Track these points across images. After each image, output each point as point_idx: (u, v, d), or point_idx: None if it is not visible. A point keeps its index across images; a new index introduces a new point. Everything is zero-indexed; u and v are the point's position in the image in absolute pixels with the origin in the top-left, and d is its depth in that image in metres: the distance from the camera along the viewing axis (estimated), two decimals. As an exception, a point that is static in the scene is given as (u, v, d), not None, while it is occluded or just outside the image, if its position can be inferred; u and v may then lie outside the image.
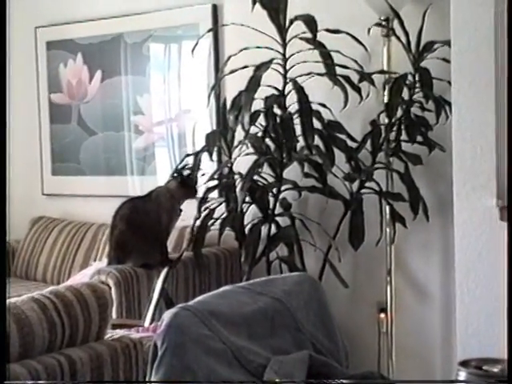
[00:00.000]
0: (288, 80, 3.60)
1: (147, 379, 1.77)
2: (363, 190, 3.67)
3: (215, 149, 3.85)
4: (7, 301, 2.34)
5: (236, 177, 3.75)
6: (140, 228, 3.81)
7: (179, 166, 3.88)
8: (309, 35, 3.48)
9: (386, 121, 3.61)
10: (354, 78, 3.55)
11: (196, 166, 3.72)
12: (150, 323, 3.07)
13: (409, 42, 3.52)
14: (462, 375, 2.30)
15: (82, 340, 2.44)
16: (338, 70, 3.53)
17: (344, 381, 1.86)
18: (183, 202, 3.83)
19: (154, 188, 3.91)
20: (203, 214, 3.75)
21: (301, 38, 3.54)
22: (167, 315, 1.76)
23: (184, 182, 3.80)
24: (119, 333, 2.67)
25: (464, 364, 2.36)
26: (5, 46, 2.24)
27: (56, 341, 2.35)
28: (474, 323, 2.86)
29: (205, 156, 3.77)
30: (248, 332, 1.83)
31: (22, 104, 5.18)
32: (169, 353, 1.70)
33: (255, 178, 3.68)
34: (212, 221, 3.75)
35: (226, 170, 3.84)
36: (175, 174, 3.83)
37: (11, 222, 5.00)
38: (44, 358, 2.30)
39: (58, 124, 5.02)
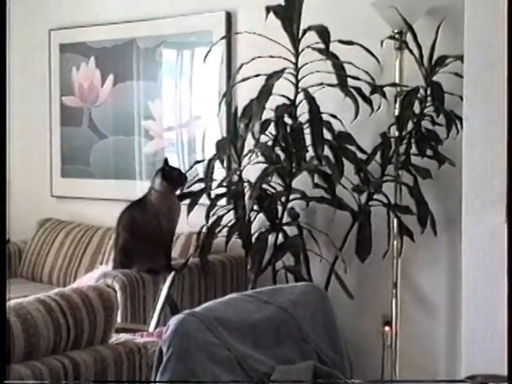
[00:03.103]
0: (299, 90, 3.60)
1: (151, 384, 1.77)
2: (371, 202, 3.67)
3: (225, 156, 3.86)
4: (13, 301, 2.34)
5: (245, 185, 3.76)
6: (143, 235, 3.83)
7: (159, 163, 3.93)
8: (321, 46, 3.49)
9: (397, 134, 3.61)
10: (366, 89, 3.55)
11: (209, 174, 3.73)
12: (155, 328, 3.07)
13: (421, 56, 3.52)
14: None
15: (86, 343, 2.44)
16: (350, 82, 3.53)
17: (349, 381, 1.86)
18: (175, 192, 3.84)
19: (145, 193, 3.92)
20: (211, 221, 3.75)
21: (313, 49, 3.54)
22: (173, 321, 1.76)
23: (165, 175, 3.83)
24: (124, 337, 2.67)
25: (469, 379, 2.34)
26: (5, 47, 2.24)
27: (61, 343, 2.36)
28: (480, 340, 2.85)
29: (216, 163, 3.78)
30: (253, 340, 1.82)
31: (33, 105, 5.21)
32: (174, 358, 1.69)
33: (264, 186, 3.68)
34: (219, 228, 3.75)
35: (235, 178, 3.84)
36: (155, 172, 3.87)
37: (19, 222, 5.02)
38: (48, 360, 2.31)
39: (69, 127, 5.04)
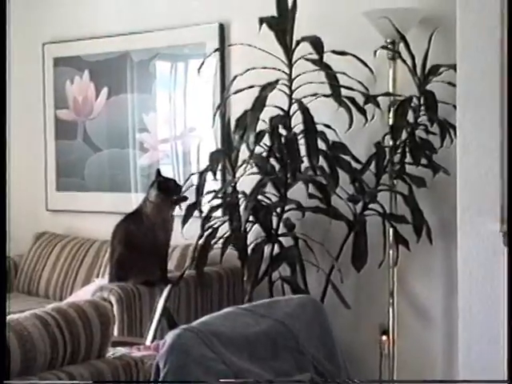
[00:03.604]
0: (293, 101, 3.61)
1: (148, 399, 1.76)
2: (367, 212, 3.67)
3: (219, 168, 3.86)
4: (9, 317, 2.34)
5: (240, 196, 3.76)
6: (138, 248, 3.83)
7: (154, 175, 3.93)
8: (315, 56, 3.50)
9: (391, 143, 3.62)
10: (360, 99, 3.56)
11: (201, 186, 3.74)
12: (152, 341, 3.07)
13: (414, 65, 3.53)
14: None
15: (83, 357, 2.43)
16: (344, 92, 3.54)
17: (348, 380, 1.86)
18: (169, 204, 3.85)
19: (139, 205, 3.92)
20: (206, 233, 3.75)
21: (307, 59, 3.55)
22: (170, 336, 1.76)
23: (160, 186, 3.83)
24: (120, 351, 2.66)
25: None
26: (5, 56, 2.24)
27: (57, 358, 2.35)
28: (477, 348, 2.85)
29: (209, 175, 3.78)
30: (250, 354, 1.82)
31: (28, 119, 5.20)
32: (171, 374, 1.69)
33: (259, 197, 3.69)
34: (215, 240, 3.75)
35: (230, 189, 3.84)
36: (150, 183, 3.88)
37: (15, 236, 5.00)
38: (45, 375, 2.30)
39: (64, 140, 5.04)
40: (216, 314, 1.95)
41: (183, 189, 3.94)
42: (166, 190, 3.85)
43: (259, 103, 3.50)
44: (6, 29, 2.20)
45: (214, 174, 3.73)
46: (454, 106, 3.06)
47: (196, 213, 3.78)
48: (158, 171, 3.93)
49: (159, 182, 3.85)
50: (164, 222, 3.86)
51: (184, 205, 3.84)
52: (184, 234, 3.73)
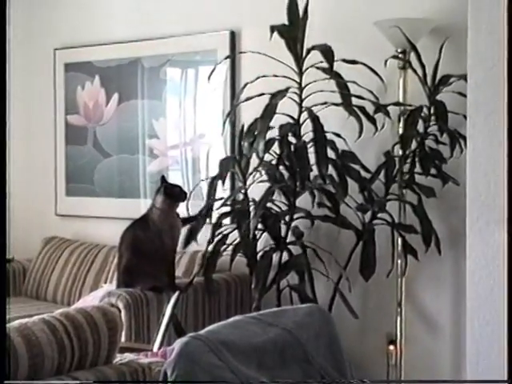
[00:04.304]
0: (303, 109, 3.62)
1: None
2: (375, 221, 3.67)
3: (229, 175, 3.87)
4: (17, 321, 2.34)
5: (249, 203, 3.76)
6: (145, 254, 3.83)
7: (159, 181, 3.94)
8: (325, 65, 3.51)
9: (400, 152, 3.62)
10: (370, 108, 3.56)
11: (212, 193, 3.74)
12: (159, 348, 3.06)
13: (425, 75, 3.53)
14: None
15: (90, 363, 2.43)
16: (354, 101, 3.55)
17: (352, 380, 1.85)
18: (176, 208, 3.85)
19: (146, 211, 3.93)
20: (216, 240, 3.75)
21: (317, 68, 3.56)
22: (178, 344, 1.76)
23: (166, 191, 3.84)
24: (128, 357, 2.66)
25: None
26: (5, 55, 2.24)
27: (65, 363, 2.35)
28: (485, 359, 2.84)
29: (219, 182, 3.79)
30: (258, 363, 1.82)
31: (38, 124, 5.22)
32: (179, 382, 1.69)
33: (268, 205, 3.69)
34: (224, 246, 3.75)
35: (240, 197, 3.85)
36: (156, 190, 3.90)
37: (23, 241, 5.03)
38: (52, 380, 2.30)
39: (74, 145, 5.06)
40: (224, 322, 1.95)
41: (192, 195, 3.94)
42: (172, 195, 3.86)
43: (269, 111, 3.51)
44: (6, 28, 2.20)
45: (223, 182, 3.73)
46: (465, 116, 3.04)
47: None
48: (163, 177, 3.94)
49: (165, 188, 3.86)
50: (171, 227, 3.86)
51: (195, 211, 3.85)
52: (198, 241, 3.75)
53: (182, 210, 3.93)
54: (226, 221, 3.86)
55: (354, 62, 3.54)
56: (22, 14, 5.16)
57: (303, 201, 3.71)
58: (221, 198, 3.84)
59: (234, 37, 4.35)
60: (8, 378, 2.12)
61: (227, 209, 3.85)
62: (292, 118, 3.65)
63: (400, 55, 3.65)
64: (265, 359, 1.85)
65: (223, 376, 1.74)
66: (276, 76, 3.59)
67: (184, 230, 3.85)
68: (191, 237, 3.78)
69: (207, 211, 3.79)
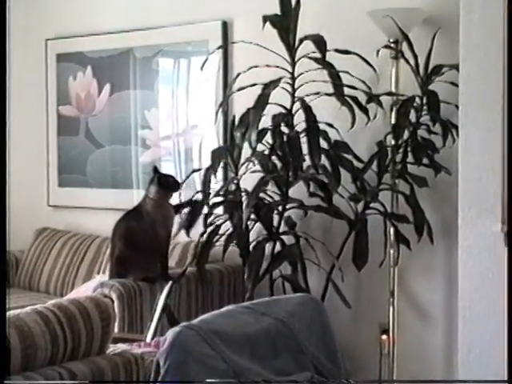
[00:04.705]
0: (296, 99, 3.61)
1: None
2: (368, 211, 3.67)
3: (221, 165, 3.87)
4: (10, 312, 2.34)
5: (242, 194, 3.76)
6: (139, 245, 3.83)
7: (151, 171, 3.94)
8: (318, 55, 3.50)
9: (393, 142, 3.62)
10: (362, 98, 3.56)
11: (207, 183, 3.74)
12: (152, 338, 3.07)
13: (417, 65, 3.53)
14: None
15: (83, 354, 2.43)
16: (346, 91, 3.54)
17: (345, 380, 1.86)
18: (170, 199, 3.85)
19: (139, 202, 3.93)
20: (208, 230, 3.75)
21: (310, 58, 3.56)
22: (171, 333, 1.76)
23: (160, 182, 3.84)
24: (121, 347, 2.67)
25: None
26: (5, 55, 2.24)
27: (58, 354, 2.35)
28: (476, 348, 2.86)
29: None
30: (251, 352, 1.83)
31: (30, 115, 5.21)
32: (171, 371, 1.70)
33: (261, 195, 3.69)
34: (217, 237, 3.75)
35: (232, 187, 3.85)
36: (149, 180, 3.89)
37: (16, 232, 5.01)
38: (45, 371, 2.30)
39: (66, 136, 5.04)
40: (217, 312, 1.96)
41: (184, 185, 3.94)
42: (166, 186, 3.86)
43: (262, 101, 3.51)
44: (7, 27, 2.20)
45: (215, 172, 3.73)
46: (457, 106, 3.05)
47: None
48: (155, 168, 3.94)
49: (158, 179, 3.85)
50: (164, 218, 3.86)
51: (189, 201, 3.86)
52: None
53: (174, 199, 3.93)
54: (219, 211, 3.85)
55: (346, 52, 3.54)
56: (13, 4, 5.12)
57: (296, 191, 3.71)
58: (212, 189, 3.83)
59: (226, 27, 4.34)
60: (9, 374, 2.12)
61: (220, 199, 3.85)
62: (284, 108, 3.65)
63: (392, 45, 3.65)
64: (257, 349, 1.86)
65: (216, 365, 1.75)
66: (268, 66, 3.59)
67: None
68: (190, 222, 3.77)
69: (203, 200, 3.78)
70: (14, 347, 2.23)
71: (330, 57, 3.52)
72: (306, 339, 1.94)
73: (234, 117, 3.77)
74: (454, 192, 3.07)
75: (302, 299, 2.09)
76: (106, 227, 4.08)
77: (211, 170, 3.76)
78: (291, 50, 3.59)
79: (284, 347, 1.91)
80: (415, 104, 3.57)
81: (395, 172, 3.63)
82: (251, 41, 3.66)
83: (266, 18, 3.50)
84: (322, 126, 3.59)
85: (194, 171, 4.14)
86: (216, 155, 3.79)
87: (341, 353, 2.07)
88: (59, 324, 2.35)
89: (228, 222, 3.77)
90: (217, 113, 3.90)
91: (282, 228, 3.77)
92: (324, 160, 3.58)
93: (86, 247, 4.66)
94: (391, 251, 3.71)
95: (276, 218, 3.75)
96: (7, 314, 2.31)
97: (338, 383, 1.87)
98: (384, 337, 3.79)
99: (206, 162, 3.92)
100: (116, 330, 3.10)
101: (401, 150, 3.62)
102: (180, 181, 4.01)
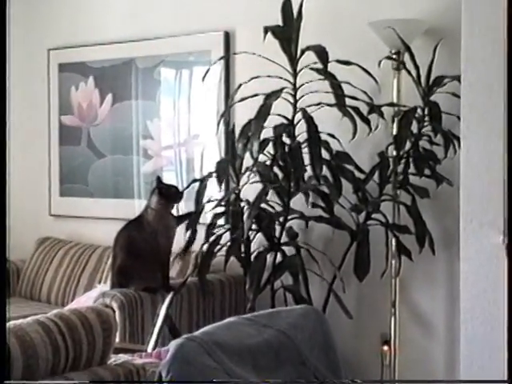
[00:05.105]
0: (298, 109, 3.62)
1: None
2: (370, 222, 3.67)
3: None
4: (12, 322, 2.34)
5: (243, 204, 3.76)
6: (140, 255, 3.83)
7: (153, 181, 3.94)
8: (319, 66, 3.51)
9: (394, 153, 3.63)
10: (364, 109, 3.56)
11: (201, 192, 3.75)
12: (153, 349, 3.06)
13: (419, 76, 3.54)
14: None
15: (85, 364, 2.43)
16: (348, 101, 3.55)
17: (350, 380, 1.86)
18: (171, 210, 3.85)
19: (141, 212, 3.93)
20: (210, 240, 3.75)
21: (311, 69, 3.56)
22: (173, 345, 1.76)
23: (161, 192, 3.84)
24: (122, 358, 2.66)
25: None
26: (5, 57, 2.25)
27: (59, 364, 2.35)
28: (479, 360, 2.85)
29: (211, 182, 3.79)
30: (253, 364, 1.82)
31: (32, 124, 5.22)
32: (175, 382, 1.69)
33: (262, 205, 3.69)
34: (218, 247, 3.75)
35: (233, 197, 3.85)
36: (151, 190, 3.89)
37: (17, 241, 5.02)
38: (47, 381, 2.30)
39: (68, 146, 5.05)
40: (218, 323, 1.95)
41: (185, 195, 3.95)
42: (167, 196, 3.86)
43: (263, 112, 3.51)
44: (7, 30, 2.20)
45: (220, 184, 3.72)
46: (458, 117, 3.06)
47: (200, 219, 3.79)
48: (158, 178, 3.94)
49: (160, 189, 3.86)
50: (166, 228, 3.86)
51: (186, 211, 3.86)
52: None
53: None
54: (220, 221, 3.86)
55: (348, 63, 3.54)
56: (16, 14, 5.14)
57: (297, 201, 3.72)
58: (212, 200, 3.83)
59: (228, 37, 4.35)
60: (8, 378, 2.12)
61: (221, 209, 3.85)
62: (286, 118, 3.65)
63: (394, 56, 3.66)
64: (259, 361, 1.86)
65: (218, 377, 1.75)
66: (270, 77, 3.59)
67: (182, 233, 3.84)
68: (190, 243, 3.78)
69: (199, 211, 3.78)
70: (16, 357, 2.23)
71: (332, 67, 3.52)
72: (307, 351, 1.93)
73: (234, 126, 3.78)
74: (455, 203, 3.06)
75: (303, 311, 2.08)
76: (108, 237, 4.09)
77: (209, 179, 3.77)
78: (293, 60, 3.60)
79: (286, 359, 1.90)
80: (417, 115, 3.57)
81: (397, 183, 3.63)
82: (253, 51, 3.67)
83: (267, 29, 3.51)
84: (323, 137, 3.60)
85: (195, 181, 4.14)
86: (221, 167, 3.79)
87: (342, 364, 2.06)
88: (61, 334, 2.35)
89: (229, 233, 3.77)
90: (218, 123, 3.90)
91: (284, 238, 3.77)
92: (325, 171, 3.58)
93: (87, 257, 4.66)
94: (393, 262, 3.71)
95: (277, 228, 3.75)
96: (8, 324, 2.31)
97: (346, 383, 1.87)
98: (385, 347, 3.79)
99: (207, 171, 3.92)
100: (117, 340, 3.10)
101: (402, 161, 3.62)
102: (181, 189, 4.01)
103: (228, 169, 3.78)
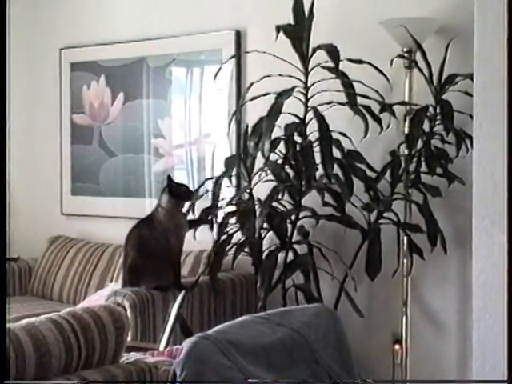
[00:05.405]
0: (309, 108, 3.62)
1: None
2: (381, 221, 3.67)
3: (234, 173, 3.87)
4: (25, 320, 2.35)
5: (255, 203, 3.76)
6: (151, 254, 3.84)
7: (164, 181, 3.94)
8: (331, 64, 3.50)
9: (406, 152, 3.62)
10: (375, 108, 3.56)
11: (217, 192, 3.75)
12: (165, 347, 3.07)
13: (431, 75, 3.53)
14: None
15: (97, 362, 2.43)
16: (359, 100, 3.55)
17: (363, 380, 1.85)
18: (182, 208, 3.85)
19: (152, 211, 3.94)
20: (221, 239, 3.76)
21: (323, 67, 3.56)
22: (187, 344, 1.76)
23: (171, 190, 3.84)
24: (134, 356, 2.67)
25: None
26: (5, 56, 2.25)
27: (72, 362, 2.36)
28: (491, 360, 2.84)
29: (224, 181, 3.80)
30: (267, 363, 1.82)
31: (44, 124, 5.23)
32: (188, 382, 1.69)
33: (274, 204, 3.69)
34: (230, 246, 3.76)
35: (245, 196, 3.85)
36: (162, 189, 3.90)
37: (29, 240, 5.05)
38: (59, 380, 2.30)
39: (79, 145, 5.07)
40: (232, 322, 1.96)
41: (199, 194, 3.95)
42: (178, 195, 3.86)
43: (275, 110, 3.51)
44: (12, 31, 2.21)
45: (230, 180, 3.74)
46: (471, 116, 3.04)
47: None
48: (169, 177, 3.94)
49: (170, 188, 3.86)
50: (176, 227, 3.87)
51: (199, 210, 3.86)
52: (198, 240, 3.75)
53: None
54: (232, 220, 3.86)
55: (359, 62, 3.54)
56: (27, 13, 5.16)
57: (309, 200, 3.71)
58: (224, 199, 3.84)
59: (239, 36, 4.35)
60: (8, 378, 2.12)
61: (233, 208, 3.85)
62: (298, 117, 3.65)
63: (406, 55, 3.65)
64: (273, 359, 1.86)
65: (232, 376, 1.75)
66: (281, 75, 3.59)
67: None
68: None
69: (214, 212, 3.79)
70: (29, 355, 2.24)
71: (343, 66, 3.52)
72: (321, 349, 1.93)
73: (247, 126, 3.78)
74: (467, 202, 3.05)
75: (317, 310, 2.08)
76: (119, 236, 4.10)
77: (223, 178, 3.77)
78: (304, 59, 3.60)
79: (300, 357, 1.90)
80: (429, 114, 3.56)
81: (408, 181, 3.62)
82: (264, 50, 3.66)
83: (279, 28, 3.51)
84: (335, 136, 3.59)
85: (207, 180, 4.14)
86: (229, 163, 3.80)
87: (354, 362, 2.06)
88: (73, 332, 2.36)
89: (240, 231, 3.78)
90: (230, 122, 3.90)
91: (295, 237, 3.77)
92: (337, 169, 3.58)
93: (98, 255, 4.67)
94: (404, 261, 3.71)
95: (289, 227, 3.75)
96: (21, 322, 2.32)
97: (358, 383, 1.86)
98: (397, 346, 3.78)
99: (219, 170, 3.93)
100: (129, 338, 3.11)
101: (414, 160, 3.61)
102: (192, 189, 4.02)
103: (238, 165, 3.78)
